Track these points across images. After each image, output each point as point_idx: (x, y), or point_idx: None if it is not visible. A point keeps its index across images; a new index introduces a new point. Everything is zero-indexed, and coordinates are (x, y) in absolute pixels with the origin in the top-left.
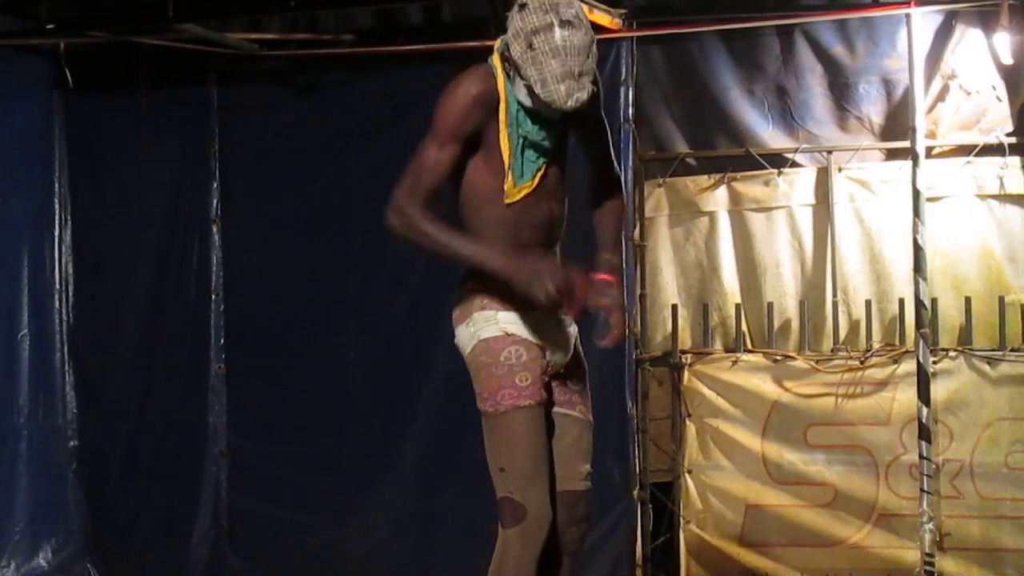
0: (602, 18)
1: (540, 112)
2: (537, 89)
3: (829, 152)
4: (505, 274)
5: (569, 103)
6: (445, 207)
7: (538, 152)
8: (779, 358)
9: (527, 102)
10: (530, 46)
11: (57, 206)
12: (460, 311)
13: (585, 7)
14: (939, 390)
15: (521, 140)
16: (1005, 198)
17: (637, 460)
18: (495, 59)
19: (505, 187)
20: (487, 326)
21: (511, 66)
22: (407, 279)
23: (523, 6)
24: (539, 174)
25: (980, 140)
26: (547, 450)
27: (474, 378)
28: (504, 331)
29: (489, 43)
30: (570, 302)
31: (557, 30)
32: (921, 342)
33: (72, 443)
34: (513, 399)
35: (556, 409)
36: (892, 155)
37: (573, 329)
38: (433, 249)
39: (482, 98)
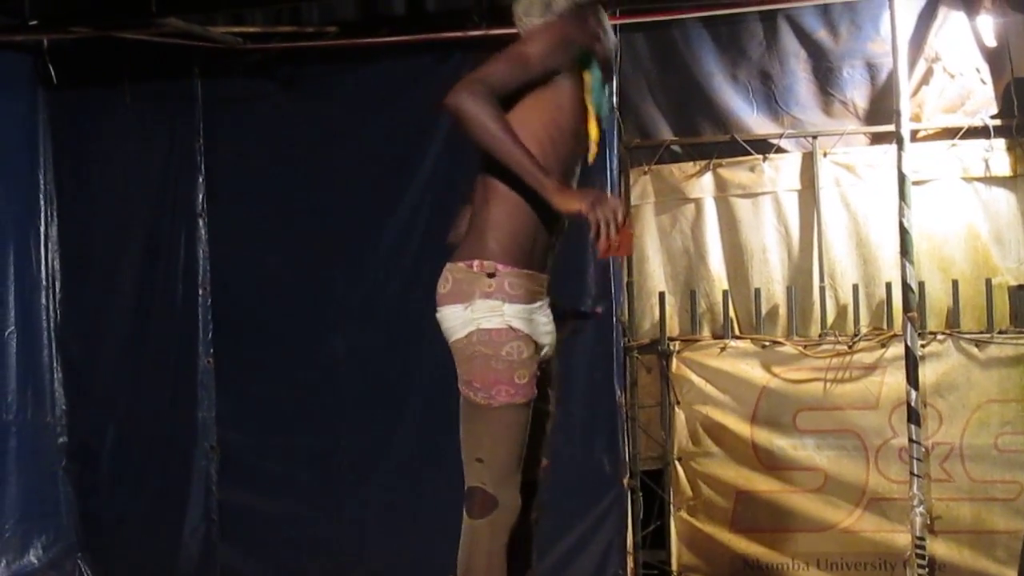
0: None
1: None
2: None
3: (814, 137)
4: (560, 194)
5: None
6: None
7: (597, 127)
8: (767, 344)
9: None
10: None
11: (43, 202)
12: (455, 289)
13: None
14: (927, 373)
15: (597, 107)
16: (991, 180)
17: (627, 448)
18: None
19: (590, 136)
20: (491, 316)
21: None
22: (396, 270)
23: None
24: (594, 148)
25: (965, 123)
26: (526, 446)
27: (464, 363)
28: (508, 325)
29: (473, 33)
30: (617, 230)
31: None
32: (909, 326)
33: (61, 439)
34: (509, 396)
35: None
36: (877, 139)
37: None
38: (493, 142)
39: (582, 42)
